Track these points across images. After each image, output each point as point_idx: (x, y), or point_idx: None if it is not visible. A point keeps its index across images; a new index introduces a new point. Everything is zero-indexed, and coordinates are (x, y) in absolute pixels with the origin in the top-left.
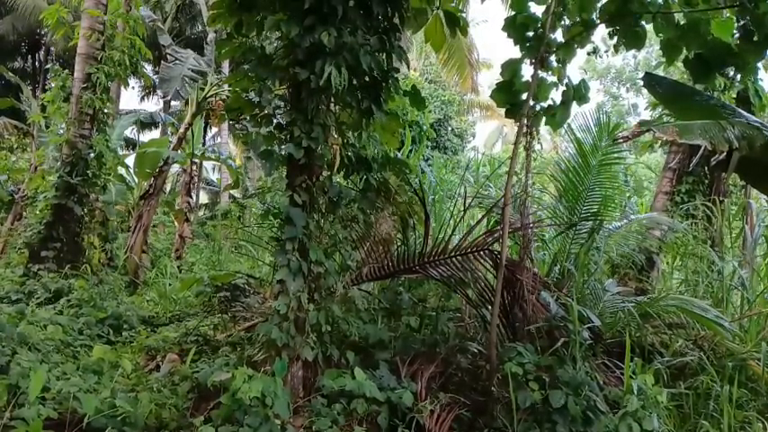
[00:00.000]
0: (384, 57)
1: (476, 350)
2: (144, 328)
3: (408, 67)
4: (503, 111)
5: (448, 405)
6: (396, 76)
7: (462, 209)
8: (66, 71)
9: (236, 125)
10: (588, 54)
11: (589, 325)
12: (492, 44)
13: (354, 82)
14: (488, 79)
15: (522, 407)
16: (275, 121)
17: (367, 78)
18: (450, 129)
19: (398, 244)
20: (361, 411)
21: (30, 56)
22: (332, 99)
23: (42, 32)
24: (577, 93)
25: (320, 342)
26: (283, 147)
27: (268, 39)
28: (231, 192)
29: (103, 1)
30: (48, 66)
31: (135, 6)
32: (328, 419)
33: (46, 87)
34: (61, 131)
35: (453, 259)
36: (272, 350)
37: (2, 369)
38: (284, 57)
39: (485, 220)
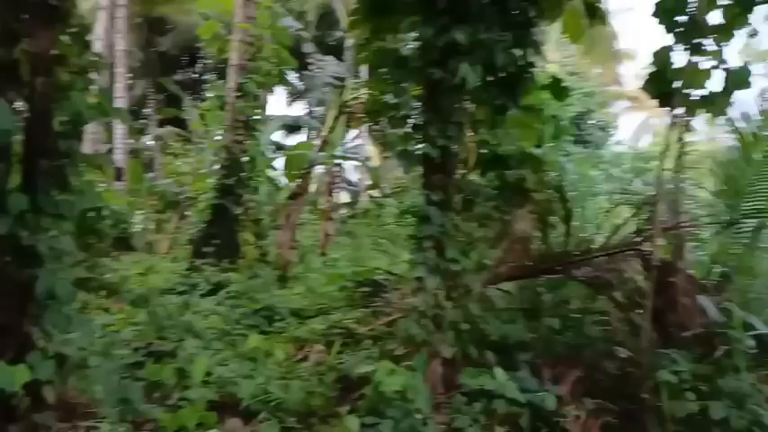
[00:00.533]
0: (520, 52)
1: (624, 355)
2: (293, 319)
3: (545, 60)
4: (651, 102)
5: (594, 411)
6: (533, 70)
7: (607, 206)
8: (222, 82)
9: (375, 127)
10: (749, 36)
11: (754, 332)
12: (637, 32)
13: (489, 79)
14: (633, 69)
15: (676, 417)
16: (411, 121)
17: (502, 75)
18: (592, 122)
19: (537, 243)
20: (501, 412)
21: (189, 69)
22: (467, 97)
23: (200, 47)
24: (738, 78)
25: (459, 340)
26: (419, 146)
27: (404, 41)
28: (370, 191)
29: (252, 14)
30: (205, 77)
31: (280, 18)
32: (469, 417)
33: (204, 97)
34: (218, 137)
35: (598, 259)
36: (411, 346)
37: (171, 354)
38: (419, 58)
39: (633, 219)
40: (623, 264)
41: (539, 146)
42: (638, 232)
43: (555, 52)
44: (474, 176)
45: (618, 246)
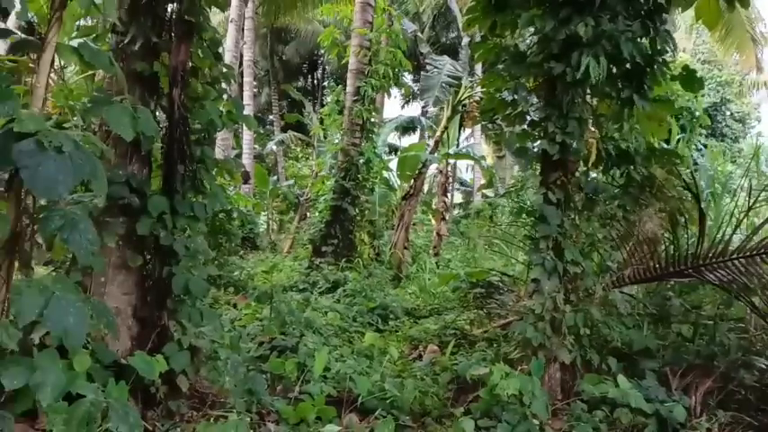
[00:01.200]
0: (648, 41)
1: (763, 366)
2: (407, 318)
3: (675, 50)
4: None
5: (728, 425)
6: (663, 59)
7: (746, 204)
8: (340, 86)
9: (489, 125)
10: None
11: None
12: None
13: (614, 71)
14: None
15: None
16: (529, 118)
17: (628, 66)
18: (728, 113)
19: (666, 244)
20: (625, 421)
21: (310, 75)
22: (588, 91)
23: (319, 53)
24: None
25: (578, 345)
26: (537, 143)
27: (521, 37)
28: (484, 191)
29: (370, 19)
30: (324, 83)
31: (397, 20)
32: (589, 426)
33: (323, 102)
34: (336, 141)
35: (735, 262)
36: (527, 349)
37: (293, 349)
38: (538, 53)
39: None
40: (764, 267)
41: (669, 140)
42: None
43: (687, 39)
44: (597, 174)
45: (758, 247)
